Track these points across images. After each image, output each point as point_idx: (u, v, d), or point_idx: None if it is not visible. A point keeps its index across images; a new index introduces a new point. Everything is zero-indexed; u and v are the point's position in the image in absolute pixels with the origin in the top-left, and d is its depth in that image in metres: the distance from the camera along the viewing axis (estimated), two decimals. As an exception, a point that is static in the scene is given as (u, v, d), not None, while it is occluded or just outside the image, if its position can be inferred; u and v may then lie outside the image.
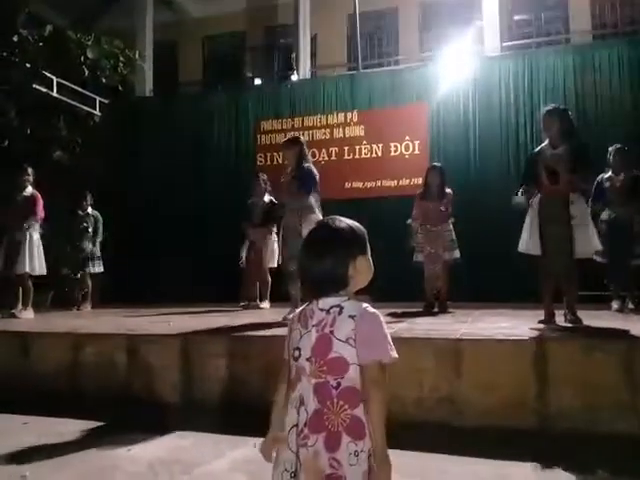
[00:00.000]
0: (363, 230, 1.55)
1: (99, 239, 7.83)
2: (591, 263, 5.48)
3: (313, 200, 5.01)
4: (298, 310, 1.56)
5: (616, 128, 7.23)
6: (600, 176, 5.77)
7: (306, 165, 5.13)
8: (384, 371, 1.43)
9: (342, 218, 1.56)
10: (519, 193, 4.54)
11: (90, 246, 7.72)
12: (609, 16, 10.79)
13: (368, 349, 1.42)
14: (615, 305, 5.64)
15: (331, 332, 1.44)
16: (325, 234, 1.53)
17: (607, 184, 5.73)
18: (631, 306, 5.60)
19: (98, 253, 7.81)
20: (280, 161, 8.75)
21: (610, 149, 5.83)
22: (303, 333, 1.49)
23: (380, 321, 1.45)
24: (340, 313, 1.45)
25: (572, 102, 7.33)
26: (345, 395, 1.41)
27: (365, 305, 1.47)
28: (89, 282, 7.80)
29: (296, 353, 1.49)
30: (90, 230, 7.72)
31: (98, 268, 7.80)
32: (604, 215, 5.72)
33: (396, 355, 1.43)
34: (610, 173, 5.78)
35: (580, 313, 4.28)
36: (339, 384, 1.42)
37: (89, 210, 7.83)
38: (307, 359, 1.45)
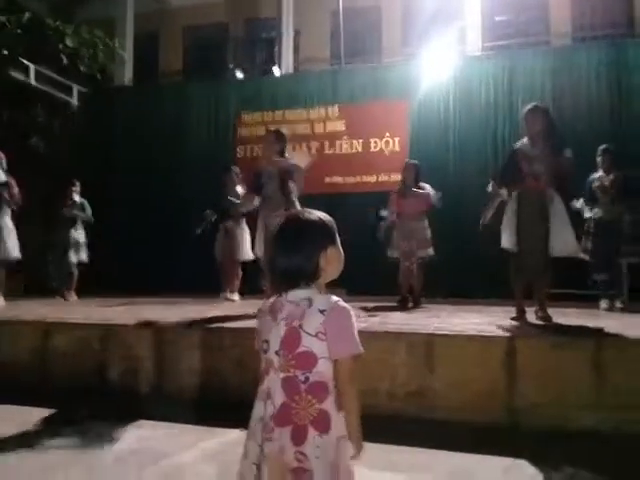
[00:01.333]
0: (332, 221, 1.55)
1: (87, 228, 7.70)
2: (578, 261, 5.58)
3: (295, 198, 5.00)
4: (268, 302, 1.55)
5: (593, 130, 7.33)
6: (591, 177, 5.85)
7: (291, 161, 5.13)
8: (355, 364, 1.45)
9: (311, 210, 1.57)
10: (491, 184, 4.56)
11: (78, 235, 7.60)
12: (589, 19, 10.93)
13: (340, 344, 1.43)
14: (604, 304, 5.70)
15: (300, 326, 1.44)
16: (295, 226, 1.53)
17: (596, 184, 5.81)
18: (619, 305, 5.66)
19: (84, 242, 7.68)
20: (259, 153, 8.72)
21: (598, 149, 5.92)
22: (272, 326, 1.49)
23: (350, 315, 1.46)
24: (310, 306, 1.45)
25: (550, 103, 7.38)
26: (313, 389, 1.42)
27: (335, 299, 1.47)
28: (75, 271, 7.66)
29: (265, 346, 1.49)
30: (77, 219, 7.59)
31: (84, 256, 7.68)
32: (592, 214, 5.79)
33: (362, 349, 1.45)
34: (600, 173, 5.85)
35: (551, 310, 4.34)
36: (307, 378, 1.42)
37: (77, 198, 7.71)
38: (276, 352, 1.46)
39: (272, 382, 1.45)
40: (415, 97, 8.38)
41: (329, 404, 1.42)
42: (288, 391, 1.42)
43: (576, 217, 5.68)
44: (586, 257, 5.72)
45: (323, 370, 1.43)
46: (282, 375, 1.43)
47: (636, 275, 5.88)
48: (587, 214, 5.82)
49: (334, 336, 1.42)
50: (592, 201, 5.81)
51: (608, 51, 7.86)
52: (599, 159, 5.88)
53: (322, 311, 1.43)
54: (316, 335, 1.42)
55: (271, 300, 1.54)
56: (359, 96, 8.74)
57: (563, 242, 4.21)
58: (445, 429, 3.15)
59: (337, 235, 1.54)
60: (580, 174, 5.84)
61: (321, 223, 1.52)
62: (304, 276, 1.49)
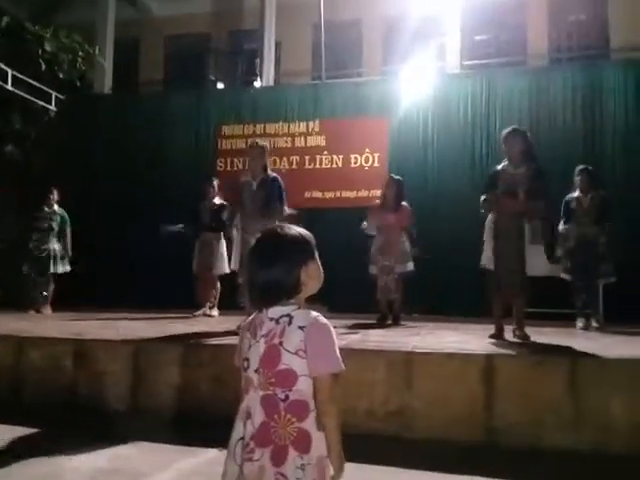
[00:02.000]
0: (311, 236, 1.54)
1: (67, 238, 7.50)
2: (557, 281, 5.66)
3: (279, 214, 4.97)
4: (248, 319, 1.53)
5: (569, 150, 7.48)
6: (568, 196, 5.93)
7: (272, 175, 5.11)
8: (336, 382, 1.43)
9: (289, 225, 1.56)
10: (481, 200, 4.61)
11: (56, 245, 7.40)
12: (565, 41, 11.19)
13: (319, 361, 1.41)
14: (580, 324, 5.75)
15: (280, 343, 1.42)
16: (275, 240, 1.51)
17: (574, 204, 5.88)
18: (595, 324, 5.72)
19: (63, 253, 7.47)
20: (240, 166, 8.70)
21: (576, 170, 6.00)
22: (252, 343, 1.47)
23: (330, 331, 1.44)
24: (290, 323, 1.43)
25: (527, 122, 7.51)
26: (293, 408, 1.40)
27: (315, 315, 1.46)
28: (52, 283, 7.44)
29: (245, 364, 1.47)
30: (56, 228, 7.42)
31: (63, 268, 7.45)
32: (571, 233, 5.85)
33: (343, 366, 1.43)
34: (578, 193, 5.92)
35: (529, 329, 4.39)
36: (287, 397, 1.41)
37: (55, 207, 7.51)
38: (255, 370, 1.44)
39: (252, 401, 1.43)
40: (395, 114, 8.45)
41: (309, 423, 1.40)
42: (267, 410, 1.40)
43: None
44: (567, 277, 5.80)
45: (303, 388, 1.41)
46: (262, 393, 1.41)
47: (611, 295, 5.98)
48: (564, 232, 5.88)
49: (314, 353, 1.40)
50: (570, 221, 5.88)
51: (584, 72, 8.03)
52: (577, 179, 5.96)
53: (302, 327, 1.42)
54: (296, 353, 1.40)
55: (251, 317, 1.52)
56: (340, 111, 8.78)
57: (535, 262, 4.26)
58: (425, 448, 3.15)
59: (316, 250, 1.53)
60: (557, 194, 5.96)
61: (301, 238, 1.51)
62: (284, 291, 1.47)
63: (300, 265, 1.47)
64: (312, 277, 1.50)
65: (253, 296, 1.52)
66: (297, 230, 1.53)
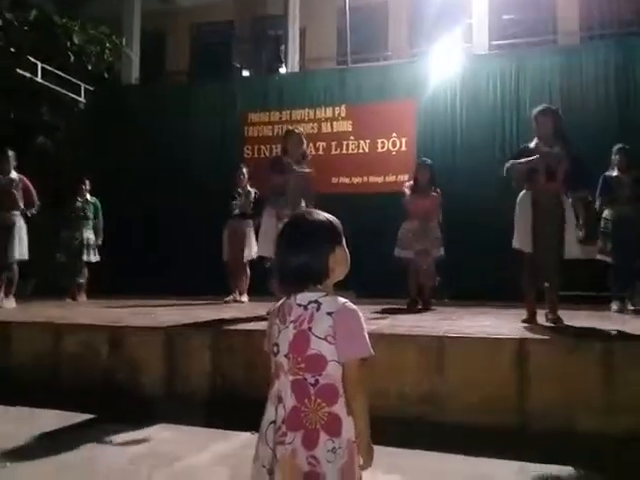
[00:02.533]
0: (338, 221, 1.55)
1: (100, 226, 7.69)
2: (590, 263, 5.55)
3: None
4: (277, 305, 1.54)
5: (602, 128, 7.30)
6: (607, 174, 5.81)
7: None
8: (365, 367, 1.44)
9: (317, 211, 1.57)
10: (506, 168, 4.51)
11: (90, 234, 7.57)
12: (597, 17, 10.88)
13: (348, 346, 1.42)
14: (615, 306, 5.64)
15: (309, 329, 1.43)
16: (303, 226, 1.52)
17: (613, 183, 5.75)
18: (631, 307, 5.60)
19: (95, 242, 7.64)
20: (267, 153, 8.72)
21: (614, 148, 5.87)
22: (281, 329, 1.48)
23: (359, 317, 1.45)
24: (318, 309, 1.44)
25: (557, 102, 7.35)
26: (323, 392, 1.42)
27: (343, 301, 1.46)
28: (86, 272, 7.63)
29: (275, 349, 1.49)
30: (89, 217, 7.57)
31: (95, 257, 7.64)
32: (610, 214, 5.75)
33: (373, 352, 1.44)
34: (617, 172, 5.80)
35: (562, 313, 4.33)
36: (317, 381, 1.42)
37: (88, 197, 7.68)
38: (285, 355, 1.45)
39: (282, 385, 1.45)
40: (422, 97, 8.35)
41: (339, 407, 1.42)
42: (298, 394, 1.42)
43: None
44: (605, 258, 5.69)
45: (333, 373, 1.42)
46: (292, 378, 1.43)
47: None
48: (605, 213, 5.77)
49: (343, 338, 1.41)
50: (609, 201, 5.75)
51: (616, 49, 7.82)
52: (615, 158, 5.82)
53: (330, 313, 1.43)
54: (325, 338, 1.41)
55: (279, 303, 1.53)
56: (366, 96, 8.70)
57: (573, 244, 4.19)
58: (455, 432, 3.15)
59: (343, 236, 1.53)
60: (591, 172, 5.83)
61: (329, 223, 1.52)
62: (313, 276, 1.48)
63: (328, 251, 1.48)
64: (340, 263, 1.50)
65: (282, 281, 1.53)
66: (325, 215, 1.54)
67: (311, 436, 1.39)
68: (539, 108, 4.48)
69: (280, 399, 1.44)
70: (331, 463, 1.38)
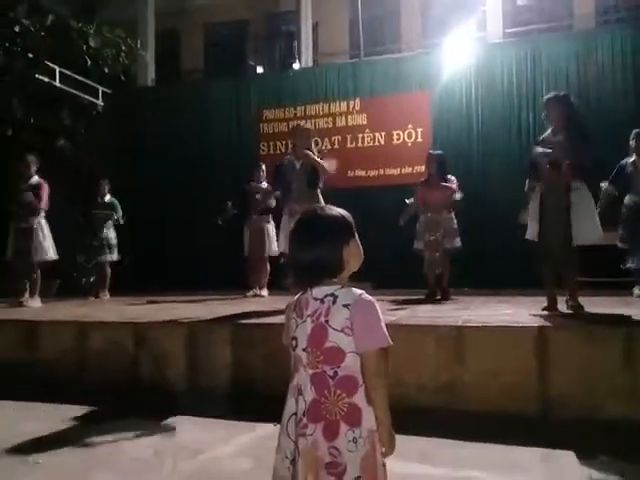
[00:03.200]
0: (350, 215, 1.57)
1: (122, 222, 7.78)
2: (611, 249, 5.54)
3: (320, 195, 5.04)
4: (294, 299, 1.56)
5: (619, 113, 7.21)
6: (624, 161, 5.73)
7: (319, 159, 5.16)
8: (384, 357, 1.45)
9: (329, 206, 1.60)
10: (527, 183, 4.52)
11: (110, 234, 7.69)
12: (613, 1, 10.70)
13: (366, 337, 1.43)
14: (637, 291, 5.60)
15: (326, 322, 1.45)
16: (316, 221, 1.54)
17: (630, 168, 5.67)
18: None
19: (115, 241, 7.76)
20: (283, 150, 8.76)
21: (633, 133, 5.77)
22: (299, 323, 1.50)
23: (375, 308, 1.46)
24: (334, 302, 1.46)
25: (575, 88, 7.28)
26: (342, 384, 1.43)
27: (359, 292, 1.48)
28: (108, 270, 7.76)
29: (293, 343, 1.51)
30: (109, 218, 7.68)
31: (116, 256, 7.75)
32: (627, 200, 5.67)
33: (391, 341, 1.45)
34: (634, 157, 5.70)
35: (583, 299, 4.29)
36: (336, 373, 1.43)
37: (107, 198, 7.79)
38: (303, 349, 1.47)
39: (302, 378, 1.47)
40: (437, 87, 8.31)
41: (359, 398, 1.43)
42: (318, 387, 1.44)
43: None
44: (623, 245, 5.64)
45: (351, 365, 1.43)
46: (311, 371, 1.45)
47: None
48: (624, 201, 5.69)
49: (360, 330, 1.43)
50: (626, 187, 5.67)
51: (633, 33, 7.68)
52: (632, 143, 5.73)
53: (346, 305, 1.44)
54: (342, 330, 1.43)
55: (296, 297, 1.55)
56: (380, 88, 8.69)
57: (586, 230, 4.13)
58: (479, 420, 3.15)
59: (355, 229, 1.55)
60: (608, 159, 5.77)
61: (341, 217, 1.54)
62: (328, 270, 1.50)
63: (342, 244, 1.50)
64: (354, 255, 1.52)
65: (297, 276, 1.55)
66: (337, 210, 1.56)
67: (331, 427, 1.41)
68: (548, 95, 4.49)
69: (300, 392, 1.46)
70: (352, 453, 1.40)
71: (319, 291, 1.49)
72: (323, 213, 1.55)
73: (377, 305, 1.47)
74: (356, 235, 1.55)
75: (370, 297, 1.47)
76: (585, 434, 2.95)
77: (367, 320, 1.44)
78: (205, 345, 4.06)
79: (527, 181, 4.53)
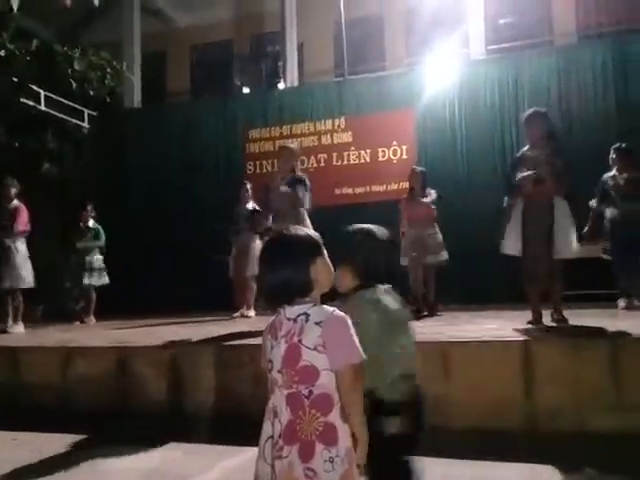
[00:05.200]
0: (318, 235, 1.59)
1: (103, 251, 7.74)
2: (596, 262, 5.64)
3: (305, 214, 5.03)
4: (269, 322, 1.57)
5: (600, 129, 7.30)
6: (605, 176, 5.81)
7: (297, 176, 5.14)
8: (358, 372, 1.45)
9: (296, 227, 1.62)
10: (505, 200, 4.56)
11: (94, 259, 7.64)
12: (594, 16, 10.88)
13: (339, 354, 1.44)
14: (622, 303, 5.63)
15: (299, 341, 1.45)
16: (282, 242, 1.57)
17: (611, 183, 5.75)
18: (637, 303, 5.57)
19: (101, 266, 7.71)
20: (269, 169, 8.79)
21: (612, 148, 5.87)
22: (273, 345, 1.51)
23: (347, 324, 1.46)
24: (307, 321, 1.47)
25: (556, 103, 7.39)
26: (317, 403, 1.43)
27: (331, 309, 1.49)
28: (93, 295, 7.70)
29: (269, 365, 1.51)
30: (93, 243, 7.64)
31: (102, 280, 7.69)
32: (609, 214, 5.74)
33: (364, 356, 1.45)
34: (614, 172, 5.79)
35: (568, 312, 4.31)
36: (311, 392, 1.43)
37: (91, 223, 7.75)
38: (278, 371, 1.47)
39: (277, 400, 1.47)
40: (421, 104, 8.39)
41: (334, 416, 1.43)
42: (293, 407, 1.43)
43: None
44: (608, 257, 5.70)
45: (326, 382, 1.44)
46: (286, 392, 1.45)
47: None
48: (605, 213, 5.77)
49: (332, 347, 1.43)
50: (607, 201, 5.75)
51: (614, 48, 7.82)
52: (613, 158, 5.82)
53: (318, 323, 1.45)
54: (315, 348, 1.43)
55: (271, 320, 1.57)
56: (365, 106, 8.77)
57: (564, 244, 4.16)
58: (465, 437, 3.13)
59: (323, 248, 1.57)
60: (590, 173, 5.83)
61: (307, 237, 1.56)
62: (296, 290, 1.51)
63: (309, 264, 1.51)
64: (322, 274, 1.53)
65: (267, 297, 1.57)
66: (303, 230, 1.59)
67: (307, 448, 1.40)
68: (527, 112, 4.52)
69: (276, 414, 1.46)
70: (329, 473, 1.39)
71: (291, 311, 1.50)
72: (289, 234, 1.57)
73: (349, 321, 1.47)
74: (324, 254, 1.56)
75: (342, 314, 1.48)
76: (572, 448, 2.94)
77: (339, 337, 1.45)
78: (191, 368, 4.02)
79: (505, 198, 4.56)
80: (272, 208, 5.17)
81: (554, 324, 4.23)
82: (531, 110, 4.52)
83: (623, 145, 5.85)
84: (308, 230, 1.61)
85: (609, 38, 9.19)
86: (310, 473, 1.39)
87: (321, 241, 1.58)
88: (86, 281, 7.56)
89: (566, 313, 4.28)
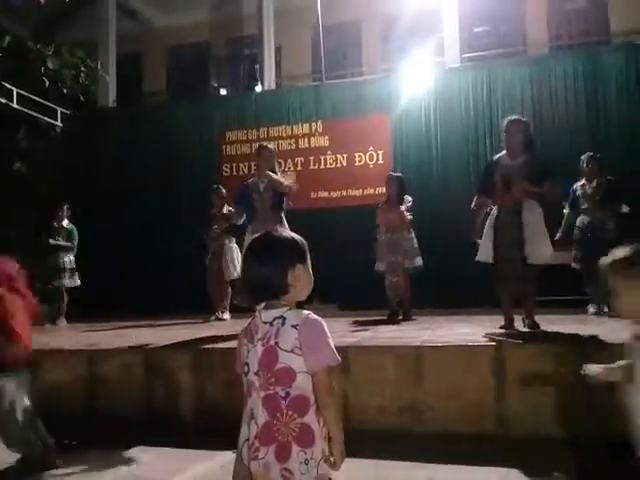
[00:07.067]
0: (304, 242, 1.60)
1: (74, 252, 7.60)
2: (568, 268, 5.72)
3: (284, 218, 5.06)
4: (245, 326, 1.59)
5: (572, 137, 7.46)
6: (575, 184, 5.93)
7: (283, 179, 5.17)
8: (332, 374, 1.48)
9: (285, 230, 1.63)
10: (474, 200, 4.62)
11: (66, 260, 7.50)
12: (565, 28, 11.13)
13: (315, 356, 1.46)
14: (592, 309, 5.74)
15: (276, 344, 1.47)
16: (265, 242, 1.58)
17: (580, 191, 5.88)
18: (607, 310, 5.63)
19: (73, 267, 7.57)
20: (246, 171, 8.76)
21: (582, 157, 5.99)
22: (250, 348, 1.52)
23: (322, 327, 1.49)
24: (283, 324, 1.48)
25: (529, 112, 7.51)
26: (294, 404, 1.44)
27: (306, 313, 1.51)
28: (65, 296, 7.55)
29: (245, 368, 1.52)
30: (66, 244, 7.50)
31: (74, 282, 7.56)
32: (578, 222, 5.86)
33: (339, 359, 1.47)
34: (583, 180, 5.92)
35: (539, 318, 4.37)
36: (288, 394, 1.45)
37: (65, 223, 7.60)
38: (255, 373, 1.49)
39: (254, 403, 1.48)
40: (397, 111, 8.47)
41: (311, 418, 1.45)
42: (270, 409, 1.44)
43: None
44: (577, 266, 5.79)
45: (303, 384, 1.46)
46: (263, 394, 1.46)
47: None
48: (572, 221, 5.89)
49: (308, 349, 1.45)
50: (576, 209, 5.88)
51: (585, 59, 7.99)
52: (583, 166, 5.94)
53: (295, 326, 1.47)
54: (292, 351, 1.45)
55: (247, 324, 1.58)
56: (342, 111, 8.80)
57: (537, 250, 4.22)
58: (438, 441, 3.16)
59: (307, 256, 1.58)
60: (562, 181, 5.92)
61: (291, 241, 1.57)
62: (271, 289, 1.52)
63: (287, 266, 1.52)
64: (299, 280, 1.54)
65: (244, 293, 1.59)
66: (290, 234, 1.60)
67: (284, 448, 1.41)
68: (509, 118, 4.53)
69: (252, 416, 1.47)
70: (305, 475, 1.40)
71: (268, 315, 1.52)
72: (275, 235, 1.58)
73: (324, 324, 1.49)
74: (307, 262, 1.57)
75: (317, 317, 1.50)
76: (544, 452, 2.99)
77: (315, 339, 1.47)
78: (165, 371, 3.97)
79: (475, 197, 4.61)
80: (254, 208, 5.12)
81: (526, 329, 4.29)
82: (513, 117, 4.56)
83: (592, 154, 5.98)
84: (295, 235, 1.61)
85: (579, 49, 9.42)
86: (287, 474, 1.40)
87: (306, 248, 1.59)
88: (57, 282, 7.44)
89: (537, 319, 4.34)
